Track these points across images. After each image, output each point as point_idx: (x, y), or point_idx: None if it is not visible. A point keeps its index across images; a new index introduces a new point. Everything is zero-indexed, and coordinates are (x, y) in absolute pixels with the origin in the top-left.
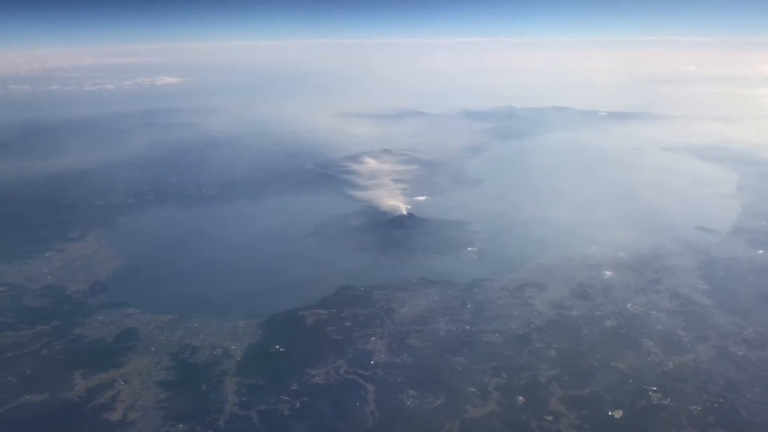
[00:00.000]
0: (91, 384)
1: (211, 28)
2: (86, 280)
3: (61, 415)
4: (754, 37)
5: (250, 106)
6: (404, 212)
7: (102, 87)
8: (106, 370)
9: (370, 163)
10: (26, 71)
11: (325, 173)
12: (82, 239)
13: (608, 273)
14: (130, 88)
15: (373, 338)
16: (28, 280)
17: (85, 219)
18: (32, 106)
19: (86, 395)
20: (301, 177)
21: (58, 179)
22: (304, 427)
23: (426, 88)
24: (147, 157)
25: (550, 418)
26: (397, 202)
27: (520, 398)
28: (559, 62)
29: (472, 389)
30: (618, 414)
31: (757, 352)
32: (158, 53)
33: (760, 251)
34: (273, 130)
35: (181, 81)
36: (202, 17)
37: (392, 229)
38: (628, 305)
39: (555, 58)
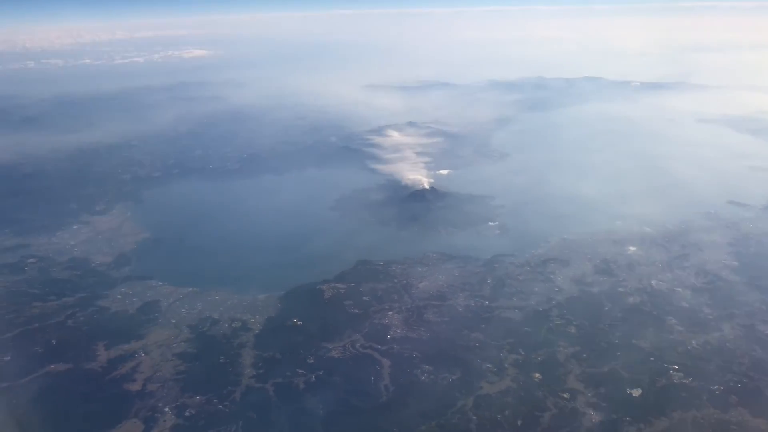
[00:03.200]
0: (113, 355)
1: (240, 0)
2: (111, 252)
3: (83, 385)
4: None
5: (277, 79)
6: (426, 186)
7: (132, 60)
8: (127, 341)
9: (394, 135)
10: (60, 45)
11: (348, 146)
12: (109, 212)
13: (633, 248)
14: (159, 61)
15: (390, 313)
16: (55, 252)
17: (111, 192)
18: (64, 80)
19: (108, 366)
20: (325, 150)
21: (87, 153)
22: (317, 401)
23: (454, 58)
24: (173, 131)
25: (566, 395)
26: (419, 176)
27: (537, 375)
28: (592, 31)
29: (488, 365)
30: (637, 392)
31: None
32: (187, 26)
33: None
34: (299, 103)
35: (209, 54)
36: None
37: (413, 203)
38: (653, 281)
39: (589, 27)
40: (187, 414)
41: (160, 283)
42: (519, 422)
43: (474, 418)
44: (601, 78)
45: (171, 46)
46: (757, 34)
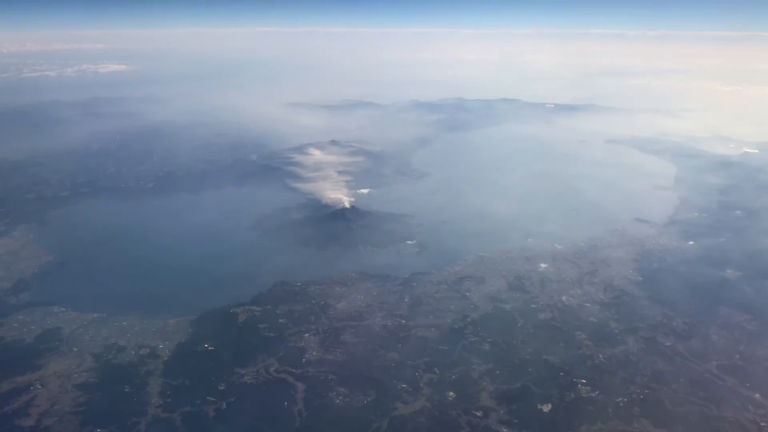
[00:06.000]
0: (5, 388)
1: (160, 14)
2: (9, 277)
3: None
4: (699, 32)
5: (197, 96)
6: (347, 205)
7: (42, 74)
8: (22, 373)
9: (316, 154)
10: None
11: (268, 165)
12: (8, 234)
13: (545, 265)
14: (72, 75)
15: (306, 335)
16: None
17: (12, 213)
18: None
19: None
20: (244, 169)
21: None
22: (228, 429)
23: (378, 78)
24: (85, 148)
25: (479, 413)
26: (340, 195)
27: (451, 394)
28: (511, 54)
29: (404, 385)
30: (547, 408)
31: (684, 342)
32: (104, 40)
33: (691, 242)
34: (219, 120)
35: (127, 69)
36: (151, 2)
37: (333, 223)
38: (563, 297)
39: (507, 50)
40: None
41: (63, 309)
42: None
43: None
44: (518, 100)
45: (86, 59)
46: (660, 60)
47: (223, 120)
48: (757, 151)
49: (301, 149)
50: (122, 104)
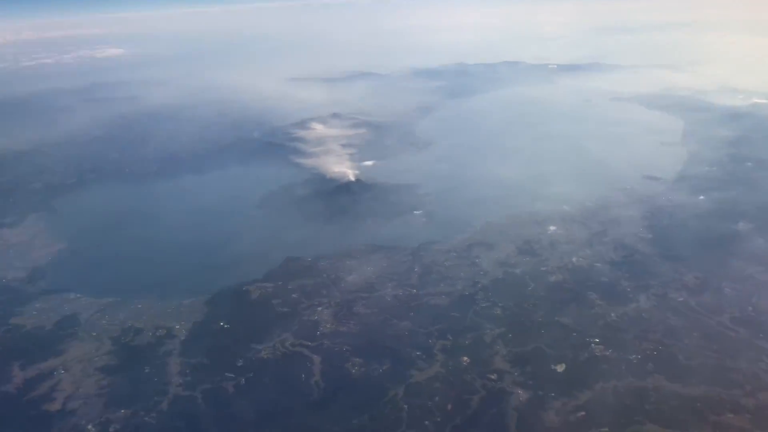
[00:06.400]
0: (29, 375)
1: None
2: (24, 267)
3: None
4: None
5: (196, 76)
6: (352, 178)
7: (40, 62)
8: (45, 359)
9: (318, 128)
10: None
11: (271, 142)
12: (19, 224)
13: (554, 228)
14: (70, 62)
15: (319, 308)
16: None
17: (21, 202)
18: None
19: (24, 386)
20: (247, 147)
21: None
22: (248, 404)
23: (377, 48)
24: (87, 135)
25: (494, 376)
26: (344, 168)
27: (465, 359)
28: (512, 16)
29: (418, 353)
30: (561, 368)
31: (696, 297)
32: (101, 24)
33: (701, 197)
34: (219, 99)
35: (125, 53)
36: None
37: (339, 196)
38: (573, 259)
39: (508, 12)
40: (111, 430)
41: (79, 296)
42: (449, 406)
43: (405, 406)
44: (520, 62)
45: (84, 45)
46: (662, 14)
47: (224, 98)
48: (766, 101)
49: (302, 124)
50: (122, 88)
